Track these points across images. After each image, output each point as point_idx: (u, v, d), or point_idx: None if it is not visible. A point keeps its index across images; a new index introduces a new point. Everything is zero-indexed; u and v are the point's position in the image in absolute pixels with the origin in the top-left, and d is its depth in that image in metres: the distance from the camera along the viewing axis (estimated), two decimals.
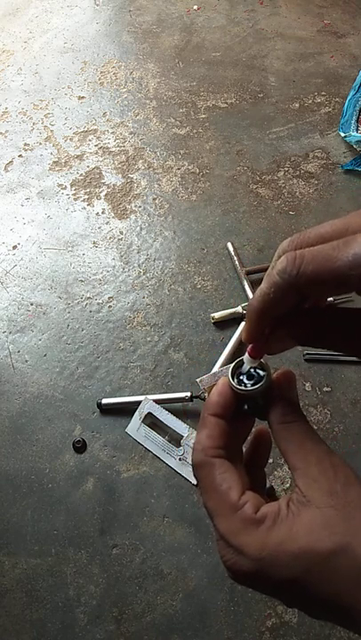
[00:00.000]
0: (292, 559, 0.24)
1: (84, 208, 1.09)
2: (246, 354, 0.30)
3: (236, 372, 0.31)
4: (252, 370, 0.30)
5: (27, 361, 0.91)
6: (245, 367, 0.30)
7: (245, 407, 0.31)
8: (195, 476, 0.30)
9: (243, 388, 0.30)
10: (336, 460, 0.26)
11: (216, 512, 0.27)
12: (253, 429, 0.33)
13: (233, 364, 0.31)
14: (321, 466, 0.26)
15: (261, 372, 0.30)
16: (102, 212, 1.08)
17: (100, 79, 1.30)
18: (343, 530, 0.24)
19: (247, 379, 0.30)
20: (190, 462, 0.30)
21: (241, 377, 0.31)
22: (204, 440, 0.29)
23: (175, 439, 0.81)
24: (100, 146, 1.18)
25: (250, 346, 0.30)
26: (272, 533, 0.25)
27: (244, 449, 0.32)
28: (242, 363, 0.31)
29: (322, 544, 0.23)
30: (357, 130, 1.13)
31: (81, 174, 1.14)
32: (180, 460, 0.80)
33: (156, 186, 1.10)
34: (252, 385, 0.30)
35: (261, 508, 0.26)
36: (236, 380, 0.30)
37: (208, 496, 0.28)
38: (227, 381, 0.30)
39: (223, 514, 0.27)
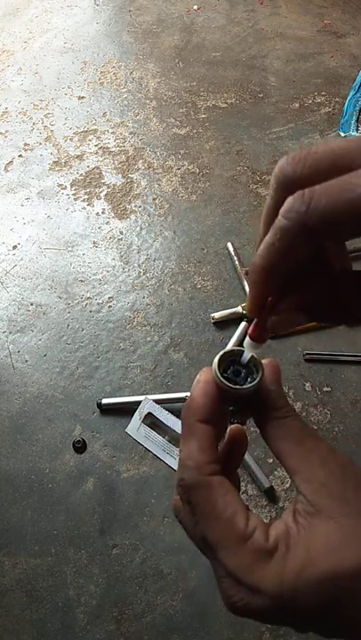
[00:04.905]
0: (317, 587, 0.21)
1: (84, 208, 1.09)
2: (247, 338, 0.26)
3: (221, 368, 0.26)
4: (237, 365, 0.26)
5: (27, 361, 0.91)
6: (246, 355, 0.26)
7: (230, 407, 0.26)
8: (186, 500, 0.24)
9: (238, 386, 0.25)
10: (341, 459, 0.23)
11: (221, 545, 0.23)
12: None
13: (217, 357, 0.26)
14: (327, 467, 0.23)
15: (247, 366, 0.26)
16: (102, 212, 1.08)
17: (100, 79, 1.30)
18: None
19: (233, 374, 0.26)
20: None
21: (225, 373, 0.26)
22: (197, 454, 0.24)
23: (175, 439, 0.81)
24: (100, 146, 1.18)
25: (251, 326, 0.25)
26: (288, 561, 0.21)
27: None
28: (226, 356, 0.27)
29: (346, 563, 0.20)
30: (357, 130, 1.13)
31: (81, 174, 1.14)
32: None
33: (156, 186, 1.10)
34: (243, 380, 0.26)
35: (270, 532, 0.23)
36: (221, 377, 0.26)
37: (209, 526, 0.23)
38: (211, 379, 0.26)
39: (231, 546, 0.22)
